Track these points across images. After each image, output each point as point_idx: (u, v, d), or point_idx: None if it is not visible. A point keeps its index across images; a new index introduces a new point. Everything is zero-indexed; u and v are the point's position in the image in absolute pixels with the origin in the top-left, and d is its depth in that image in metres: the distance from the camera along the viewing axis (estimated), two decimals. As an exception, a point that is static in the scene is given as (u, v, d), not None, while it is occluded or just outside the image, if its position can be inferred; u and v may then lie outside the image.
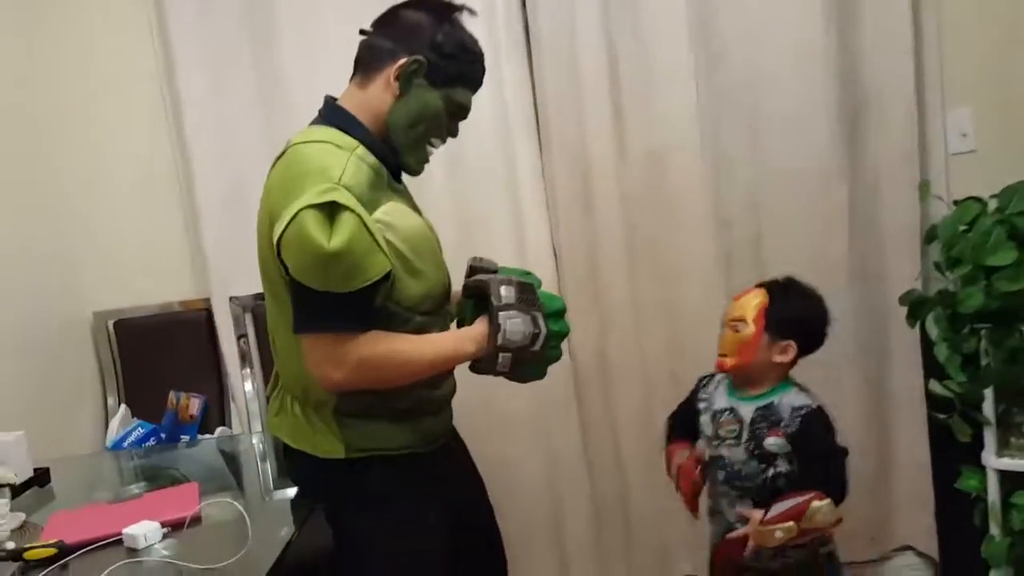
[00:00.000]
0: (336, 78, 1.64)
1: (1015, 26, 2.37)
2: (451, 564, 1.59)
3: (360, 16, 1.62)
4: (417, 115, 1.53)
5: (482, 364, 1.55)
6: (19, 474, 1.94)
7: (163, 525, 1.59)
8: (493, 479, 1.87)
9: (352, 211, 1.38)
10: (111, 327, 2.63)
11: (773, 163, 2.45)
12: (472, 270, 1.69)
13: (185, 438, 2.46)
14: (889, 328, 2.49)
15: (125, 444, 2.41)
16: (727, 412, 1.81)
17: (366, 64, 1.56)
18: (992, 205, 2.21)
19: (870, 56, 2.40)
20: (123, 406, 2.55)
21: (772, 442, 1.73)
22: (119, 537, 1.57)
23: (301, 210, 1.37)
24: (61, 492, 2.01)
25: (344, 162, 1.43)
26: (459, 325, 1.67)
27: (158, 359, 2.61)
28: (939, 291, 2.26)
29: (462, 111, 1.59)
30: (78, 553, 1.54)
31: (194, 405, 2.50)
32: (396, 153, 1.55)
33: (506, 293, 1.53)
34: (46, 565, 1.52)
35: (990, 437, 2.26)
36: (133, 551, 1.54)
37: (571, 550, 2.59)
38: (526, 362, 1.54)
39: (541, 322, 1.54)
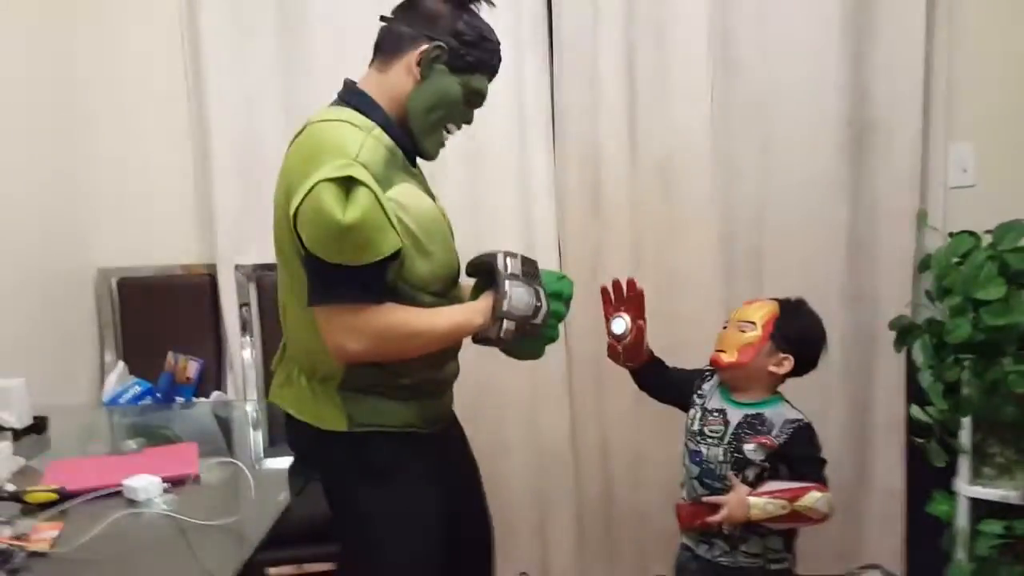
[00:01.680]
0: (358, 62, 1.67)
1: (1022, 66, 2.45)
2: (445, 544, 1.63)
3: (382, 2, 1.64)
4: (436, 100, 1.58)
5: (485, 332, 1.59)
6: (20, 420, 1.96)
7: (163, 481, 1.63)
8: (482, 464, 1.90)
9: (367, 187, 1.42)
10: (114, 284, 2.66)
11: (779, 179, 2.51)
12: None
13: (180, 399, 2.49)
14: (877, 351, 2.56)
15: (121, 400, 2.44)
16: (717, 413, 1.87)
17: (386, 49, 1.59)
18: (986, 240, 2.27)
19: (881, 82, 2.46)
20: (121, 363, 2.58)
21: (751, 448, 1.79)
22: (119, 488, 1.61)
23: (318, 183, 1.41)
24: (57, 441, 2.03)
25: (361, 140, 1.47)
26: None
27: (159, 319, 2.64)
28: (928, 319, 2.32)
29: (479, 98, 1.64)
30: (78, 500, 1.57)
31: (192, 368, 2.54)
32: (413, 137, 1.60)
33: (512, 264, 1.60)
34: (46, 508, 1.55)
35: (964, 465, 2.33)
36: (133, 502, 1.58)
37: (552, 542, 2.63)
38: (526, 334, 1.59)
39: (543, 296, 1.60)
